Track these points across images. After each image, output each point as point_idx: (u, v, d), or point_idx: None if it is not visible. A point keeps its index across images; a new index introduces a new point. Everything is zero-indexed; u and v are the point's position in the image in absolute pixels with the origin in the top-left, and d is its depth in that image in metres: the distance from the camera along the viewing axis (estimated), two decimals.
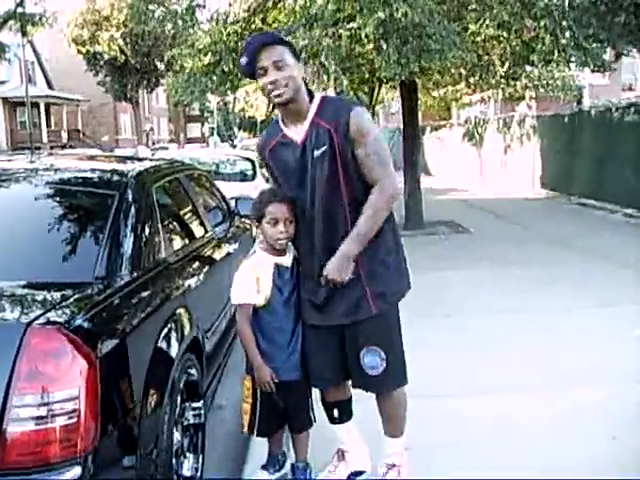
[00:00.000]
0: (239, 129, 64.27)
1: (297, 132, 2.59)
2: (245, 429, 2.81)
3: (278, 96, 2.50)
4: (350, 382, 2.82)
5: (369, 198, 2.55)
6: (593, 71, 9.78)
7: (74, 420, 1.93)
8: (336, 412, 2.89)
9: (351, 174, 2.55)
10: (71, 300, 2.20)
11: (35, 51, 39.54)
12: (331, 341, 2.70)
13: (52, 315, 2.05)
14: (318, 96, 2.63)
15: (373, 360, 2.63)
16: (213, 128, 56.73)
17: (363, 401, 2.93)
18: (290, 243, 2.73)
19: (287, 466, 2.99)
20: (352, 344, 2.67)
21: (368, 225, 2.54)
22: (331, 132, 2.51)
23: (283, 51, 2.50)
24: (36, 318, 1.99)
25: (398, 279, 2.73)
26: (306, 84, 2.61)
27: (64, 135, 40.44)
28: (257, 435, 2.86)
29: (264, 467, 2.97)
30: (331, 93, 7.94)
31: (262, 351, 2.70)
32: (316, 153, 2.54)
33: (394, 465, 2.84)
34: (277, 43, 2.51)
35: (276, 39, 2.56)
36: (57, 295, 2.22)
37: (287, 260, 2.72)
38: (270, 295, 2.67)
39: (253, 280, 2.66)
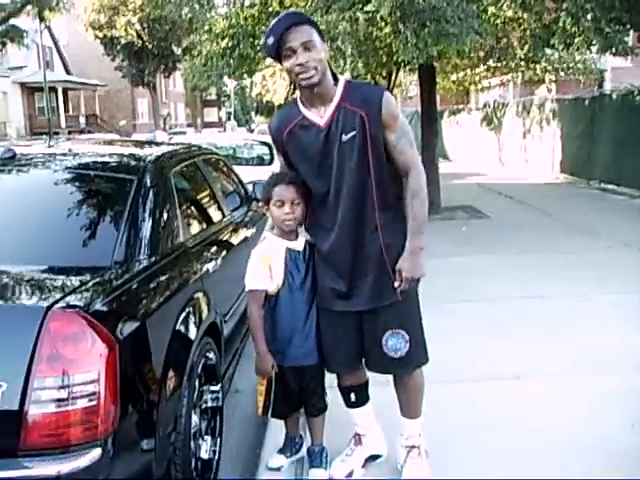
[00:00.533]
0: (256, 113, 64.23)
1: (320, 115, 2.53)
2: (260, 411, 2.82)
3: (307, 79, 2.43)
4: (365, 365, 2.81)
5: (410, 183, 2.54)
6: (615, 55, 9.61)
7: (94, 403, 1.95)
8: (353, 396, 2.90)
9: (381, 159, 2.52)
10: (91, 284, 2.21)
11: (52, 36, 39.70)
12: (350, 326, 2.69)
13: (72, 299, 2.06)
14: (342, 79, 2.58)
15: (397, 342, 2.63)
16: (230, 112, 56.76)
17: (378, 385, 2.93)
18: (303, 227, 2.72)
19: (303, 449, 3.01)
20: (373, 328, 2.66)
21: (422, 211, 2.54)
22: (363, 117, 2.47)
23: (311, 31, 2.43)
24: (56, 302, 2.00)
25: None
26: (330, 66, 2.55)
27: (82, 120, 40.65)
28: (271, 416, 2.88)
29: (280, 451, 3.00)
30: (348, 76, 7.88)
31: (275, 337, 2.70)
32: (344, 137, 2.49)
33: (414, 446, 2.85)
34: (305, 23, 2.44)
35: (304, 19, 2.48)
36: (77, 279, 2.24)
37: (299, 244, 2.71)
38: (282, 280, 2.66)
39: (265, 266, 2.65)
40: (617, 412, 3.39)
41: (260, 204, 2.92)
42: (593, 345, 4.34)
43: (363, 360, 2.79)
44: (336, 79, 2.56)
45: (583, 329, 4.69)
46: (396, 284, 2.55)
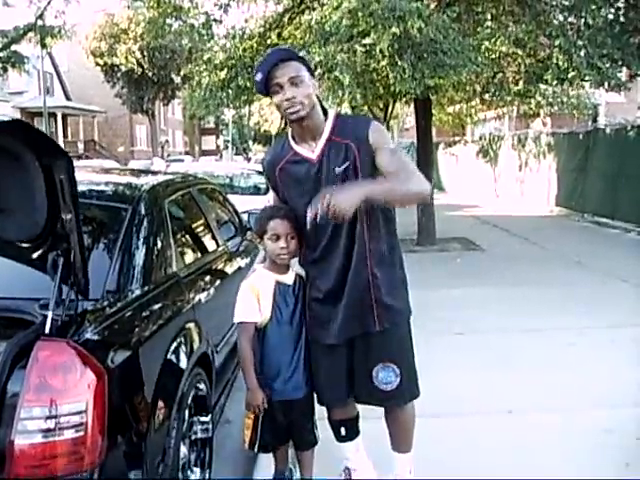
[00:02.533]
0: (254, 142, 64.58)
1: (311, 150, 2.56)
2: (246, 445, 2.80)
3: (295, 113, 2.47)
4: (356, 398, 2.79)
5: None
6: (608, 90, 9.75)
7: (81, 434, 1.93)
8: (343, 430, 2.88)
9: None
10: (81, 314, 2.20)
11: (54, 63, 40.06)
12: (341, 360, 2.68)
13: (61, 328, 2.05)
14: (332, 113, 2.60)
15: (388, 376, 2.62)
16: (228, 141, 57.04)
17: (370, 419, 2.92)
18: (294, 260, 2.73)
19: None
20: (363, 361, 2.65)
21: (395, 188, 2.45)
22: (352, 147, 2.49)
23: (299, 67, 2.47)
24: (44, 331, 1.99)
25: (406, 302, 2.72)
26: (320, 101, 2.59)
27: (80, 146, 40.79)
28: (257, 451, 2.85)
29: None
30: (346, 108, 7.96)
31: (264, 369, 2.69)
32: (337, 170, 2.50)
33: None
34: (293, 59, 2.48)
35: (292, 55, 2.52)
36: (67, 309, 2.23)
37: (288, 278, 2.72)
38: (271, 313, 2.67)
39: (254, 299, 2.66)
40: (611, 449, 3.37)
41: (254, 236, 2.93)
42: (586, 380, 4.33)
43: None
44: (326, 113, 2.59)
45: (576, 363, 4.68)
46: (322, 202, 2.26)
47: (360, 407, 2.88)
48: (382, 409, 2.81)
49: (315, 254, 2.65)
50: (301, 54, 7.88)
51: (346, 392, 2.75)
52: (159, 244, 2.95)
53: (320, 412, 2.89)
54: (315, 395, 2.80)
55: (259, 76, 2.47)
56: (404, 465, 2.85)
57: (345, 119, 2.65)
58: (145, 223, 2.89)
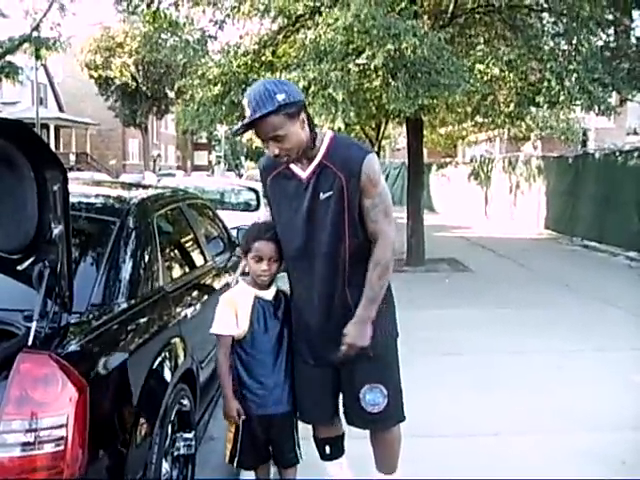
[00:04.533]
0: (246, 158, 64.69)
1: (303, 168, 2.54)
2: (227, 459, 2.79)
3: (285, 161, 2.50)
4: (344, 419, 2.78)
5: (375, 253, 2.50)
6: (598, 114, 9.86)
7: (61, 447, 1.91)
8: (327, 449, 2.87)
9: (355, 222, 2.51)
10: (65, 326, 2.19)
11: (48, 74, 40.10)
12: (326, 379, 2.68)
13: (44, 341, 2.04)
14: (328, 135, 2.56)
15: (375, 398, 2.61)
16: (220, 156, 57.11)
17: (354, 438, 2.90)
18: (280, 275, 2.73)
19: None
20: (350, 382, 2.64)
21: (381, 282, 2.52)
22: (341, 180, 2.46)
23: (279, 122, 2.36)
24: (27, 344, 1.98)
25: (393, 323, 2.71)
26: (310, 123, 2.51)
27: (72, 158, 40.72)
28: (237, 466, 2.84)
29: None
30: (339, 124, 7.97)
31: (243, 383, 2.69)
32: (322, 196, 2.49)
33: None
34: (272, 113, 2.34)
35: (265, 113, 2.34)
36: (50, 321, 2.21)
37: (269, 294, 2.73)
38: (248, 327, 2.66)
39: (232, 312, 2.66)
40: (596, 472, 3.36)
41: (239, 251, 2.94)
42: (571, 403, 4.34)
43: (341, 413, 2.77)
44: (315, 134, 2.52)
45: (561, 386, 4.69)
46: (342, 348, 2.50)
47: (345, 426, 2.86)
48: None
49: (297, 276, 2.66)
50: (295, 72, 7.87)
51: (331, 411, 2.74)
52: (146, 258, 2.94)
53: (304, 431, 2.88)
54: (298, 413, 2.78)
55: (240, 130, 2.50)
56: None
57: (340, 144, 2.57)
58: (133, 237, 2.88)
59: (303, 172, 2.55)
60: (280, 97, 2.34)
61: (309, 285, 2.60)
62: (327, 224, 2.51)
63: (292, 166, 2.57)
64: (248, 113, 2.39)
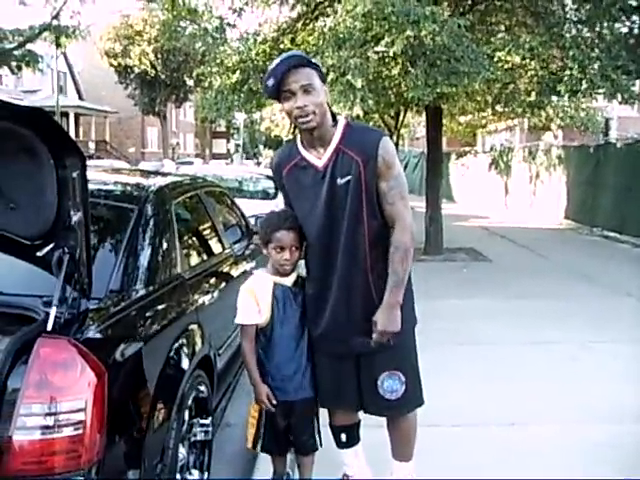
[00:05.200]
0: (264, 147, 64.74)
1: (318, 156, 2.55)
2: (249, 444, 2.81)
3: (306, 122, 2.46)
4: (363, 407, 2.77)
5: (394, 237, 2.50)
6: (621, 103, 9.72)
7: (79, 431, 1.94)
8: (344, 436, 2.87)
9: (373, 206, 2.51)
10: (84, 312, 2.21)
11: (68, 62, 40.31)
12: (347, 367, 2.67)
13: (64, 326, 2.06)
14: (342, 121, 2.57)
15: (394, 384, 2.61)
16: (238, 145, 57.19)
17: (370, 427, 2.91)
18: (301, 262, 2.73)
19: None
20: (369, 369, 2.64)
21: (404, 266, 2.50)
22: (359, 163, 2.46)
23: (311, 74, 2.45)
24: (46, 329, 2.00)
25: (411, 310, 2.70)
26: (330, 107, 2.56)
27: (92, 146, 40.99)
28: (260, 450, 2.85)
29: None
30: (358, 111, 7.94)
31: (265, 370, 2.70)
32: (339, 181, 2.50)
33: None
34: (306, 65, 2.46)
35: (305, 61, 2.48)
36: (69, 307, 2.23)
37: (288, 280, 2.72)
38: (269, 315, 2.67)
39: (252, 301, 2.67)
40: (610, 464, 3.34)
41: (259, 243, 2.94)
42: (588, 394, 4.31)
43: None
44: (335, 120, 2.57)
45: (579, 377, 4.66)
46: (373, 335, 2.52)
47: (361, 414, 2.87)
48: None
49: (316, 264, 2.65)
50: (314, 60, 7.90)
51: (352, 398, 2.72)
52: (164, 245, 2.96)
53: (324, 418, 2.88)
54: (319, 399, 2.78)
55: (271, 81, 2.45)
56: (404, 474, 2.84)
57: (355, 129, 2.60)
58: (151, 224, 2.89)
59: (319, 160, 2.55)
60: (313, 61, 2.50)
61: (329, 273, 2.59)
62: (346, 209, 2.51)
63: (307, 156, 2.58)
64: (272, 81, 2.44)
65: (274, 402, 2.67)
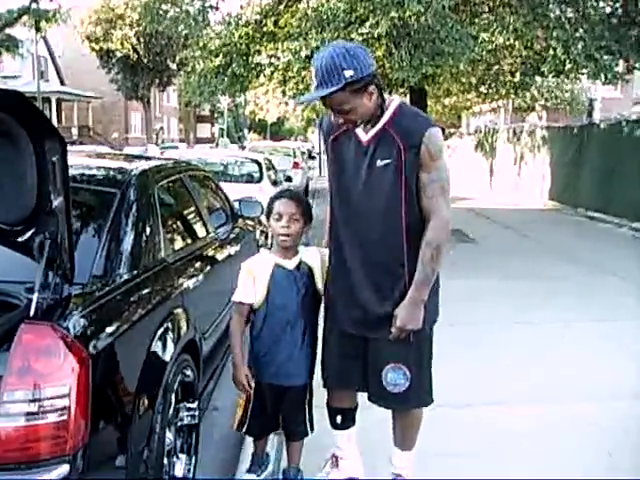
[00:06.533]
0: (249, 131, 64.42)
1: (366, 130, 2.47)
2: (235, 426, 2.81)
3: (349, 128, 2.46)
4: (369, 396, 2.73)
5: (428, 233, 2.43)
6: (604, 83, 9.76)
7: (64, 417, 1.92)
8: (339, 418, 2.86)
9: (412, 193, 2.44)
10: (66, 297, 2.19)
11: (48, 47, 39.78)
12: (356, 349, 2.63)
13: (46, 312, 2.04)
14: (395, 103, 2.49)
15: (397, 378, 2.56)
16: (223, 129, 56.88)
17: (360, 408, 2.92)
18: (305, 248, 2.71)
19: (270, 466, 2.99)
20: (376, 358, 2.60)
21: (433, 265, 2.44)
22: (400, 149, 2.39)
23: (342, 99, 2.33)
24: (28, 315, 1.98)
25: (434, 307, 2.65)
26: (380, 90, 2.42)
27: (74, 132, 40.53)
28: (246, 433, 2.86)
29: (250, 470, 2.95)
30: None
31: (255, 351, 2.70)
32: (379, 163, 2.43)
33: (399, 476, 2.83)
34: (333, 92, 2.31)
35: (329, 92, 2.33)
36: (52, 293, 2.21)
37: (290, 263, 2.68)
38: (264, 295, 2.65)
39: (250, 280, 2.66)
40: (595, 441, 3.39)
41: (265, 221, 2.91)
42: (573, 373, 4.35)
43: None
44: (384, 99, 2.46)
45: (564, 357, 4.70)
46: (392, 329, 2.47)
47: (359, 397, 2.85)
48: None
49: (345, 241, 2.58)
50: (297, 42, 7.78)
51: (358, 382, 2.69)
52: (147, 229, 2.93)
53: (316, 401, 2.87)
54: (324, 378, 2.76)
55: (305, 99, 2.42)
56: (403, 461, 2.83)
57: (406, 113, 2.49)
58: (134, 208, 2.86)
59: (365, 135, 2.48)
60: (348, 73, 2.28)
61: (360, 256, 2.53)
62: (383, 194, 2.44)
63: (357, 128, 2.50)
64: (314, 84, 2.35)
65: (253, 385, 2.65)
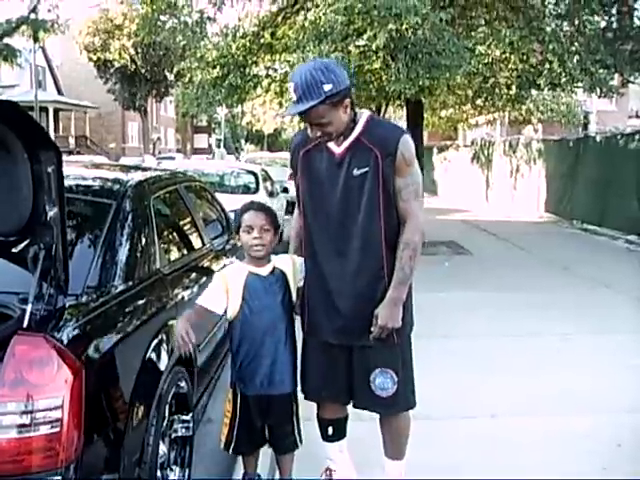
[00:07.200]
0: (246, 141, 64.51)
1: (338, 144, 2.54)
2: (222, 445, 2.77)
3: (325, 141, 2.52)
4: (352, 402, 2.76)
5: (405, 235, 2.52)
6: (600, 96, 9.82)
7: (57, 430, 1.92)
8: (330, 430, 2.86)
9: (390, 200, 2.52)
10: (60, 308, 2.18)
11: (46, 56, 39.86)
12: (340, 358, 2.65)
13: (39, 323, 2.03)
14: (365, 115, 2.57)
15: (385, 382, 2.60)
16: (220, 140, 56.95)
17: (354, 420, 2.91)
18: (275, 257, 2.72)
19: None
20: (363, 364, 2.63)
21: (411, 264, 2.52)
22: (377, 156, 2.47)
23: (321, 112, 2.40)
24: (22, 326, 1.97)
25: (410, 311, 2.70)
26: (352, 103, 2.51)
27: (72, 141, 40.59)
28: (232, 452, 2.82)
29: None
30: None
31: (238, 363, 2.68)
32: (356, 172, 2.50)
33: None
34: (312, 107, 2.39)
35: (310, 106, 2.41)
36: (46, 304, 2.21)
37: (263, 270, 2.68)
38: (239, 306, 2.64)
39: (222, 288, 2.64)
40: (590, 454, 3.38)
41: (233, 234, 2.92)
42: (568, 386, 4.34)
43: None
44: (355, 113, 2.54)
45: (559, 369, 4.69)
46: (372, 329, 2.52)
47: (349, 409, 2.85)
48: (371, 413, 2.78)
49: (324, 253, 2.62)
50: (295, 54, 7.80)
51: (342, 391, 2.71)
52: (143, 240, 2.93)
53: (304, 414, 2.86)
54: (306, 391, 2.76)
55: (287, 114, 2.48)
56: (395, 472, 2.83)
57: (377, 123, 2.62)
58: (129, 219, 2.87)
59: (338, 148, 2.54)
60: (327, 87, 2.38)
61: (338, 263, 2.58)
62: (362, 202, 2.51)
63: (328, 142, 2.56)
64: (294, 98, 2.42)
65: (193, 341, 2.55)
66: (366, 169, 2.49)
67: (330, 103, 2.40)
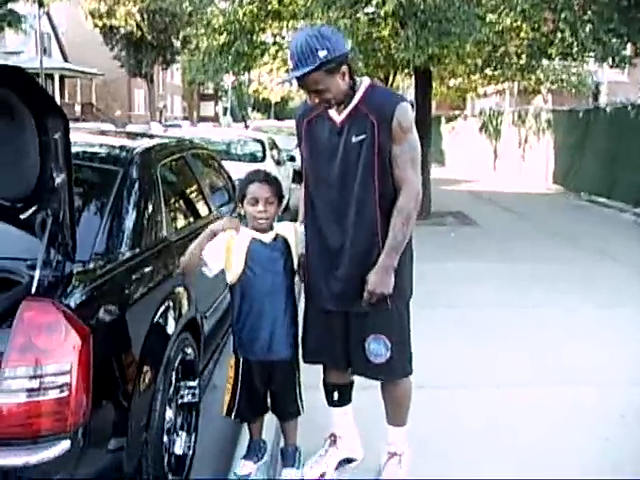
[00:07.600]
0: (252, 110, 64.11)
1: (339, 112, 2.56)
2: (224, 411, 2.79)
3: (325, 108, 2.54)
4: (351, 368, 2.79)
5: (400, 202, 2.53)
6: (612, 66, 9.66)
7: (65, 394, 1.94)
8: (336, 394, 2.89)
9: (385, 167, 2.53)
10: (68, 274, 2.19)
11: (51, 23, 39.54)
12: (338, 324, 2.69)
13: (47, 289, 2.04)
14: (365, 82, 2.58)
15: (378, 348, 2.62)
16: (226, 107, 56.58)
17: (359, 389, 2.93)
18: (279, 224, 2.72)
19: (267, 455, 2.96)
20: (358, 330, 2.66)
21: (404, 230, 2.53)
22: (374, 123, 2.48)
23: (317, 78, 2.42)
24: (30, 291, 1.98)
25: (409, 279, 2.71)
26: (350, 71, 2.52)
27: (77, 109, 40.39)
28: (234, 418, 2.83)
29: (246, 457, 2.92)
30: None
31: (239, 328, 2.69)
32: (354, 139, 2.52)
33: (395, 453, 2.85)
34: (308, 73, 2.40)
35: (305, 72, 2.42)
36: (54, 270, 2.22)
37: (266, 237, 2.69)
38: (241, 270, 2.64)
39: (222, 246, 2.63)
40: (593, 424, 3.41)
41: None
42: (574, 357, 4.36)
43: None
44: (355, 82, 2.55)
45: (565, 341, 4.70)
46: (364, 294, 2.54)
47: (356, 377, 2.87)
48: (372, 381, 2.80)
49: (323, 220, 2.64)
50: (303, 21, 7.72)
51: (341, 359, 2.74)
52: (150, 207, 2.93)
53: (306, 381, 2.88)
54: (304, 354, 2.78)
55: (284, 80, 2.48)
56: (396, 438, 2.86)
57: (377, 91, 2.62)
58: (136, 186, 2.86)
59: (338, 116, 2.56)
60: (322, 54, 2.39)
61: (335, 230, 2.60)
62: (358, 168, 2.53)
63: (330, 110, 2.58)
64: (290, 66, 2.46)
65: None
66: (363, 136, 2.50)
67: (326, 69, 2.41)
